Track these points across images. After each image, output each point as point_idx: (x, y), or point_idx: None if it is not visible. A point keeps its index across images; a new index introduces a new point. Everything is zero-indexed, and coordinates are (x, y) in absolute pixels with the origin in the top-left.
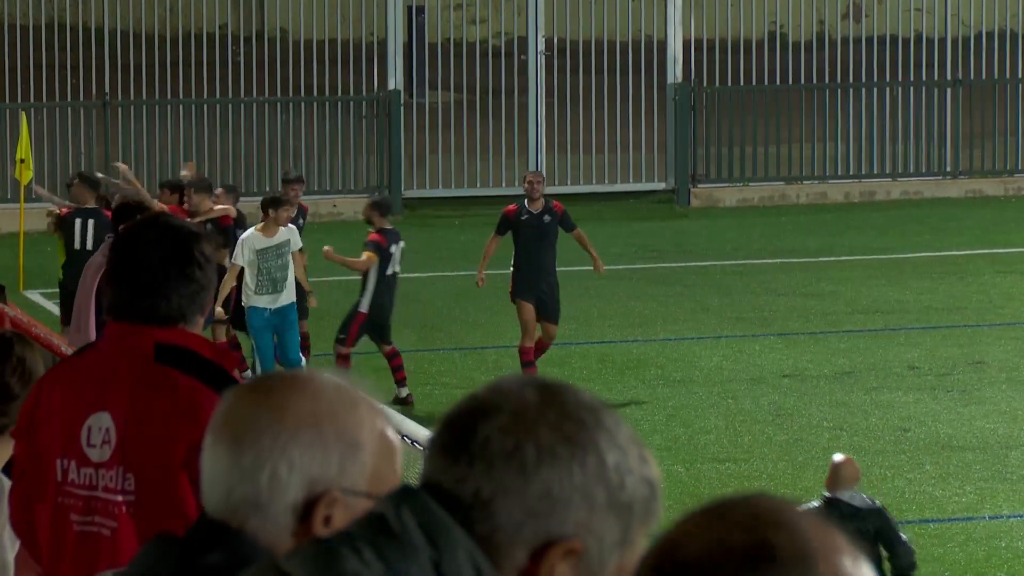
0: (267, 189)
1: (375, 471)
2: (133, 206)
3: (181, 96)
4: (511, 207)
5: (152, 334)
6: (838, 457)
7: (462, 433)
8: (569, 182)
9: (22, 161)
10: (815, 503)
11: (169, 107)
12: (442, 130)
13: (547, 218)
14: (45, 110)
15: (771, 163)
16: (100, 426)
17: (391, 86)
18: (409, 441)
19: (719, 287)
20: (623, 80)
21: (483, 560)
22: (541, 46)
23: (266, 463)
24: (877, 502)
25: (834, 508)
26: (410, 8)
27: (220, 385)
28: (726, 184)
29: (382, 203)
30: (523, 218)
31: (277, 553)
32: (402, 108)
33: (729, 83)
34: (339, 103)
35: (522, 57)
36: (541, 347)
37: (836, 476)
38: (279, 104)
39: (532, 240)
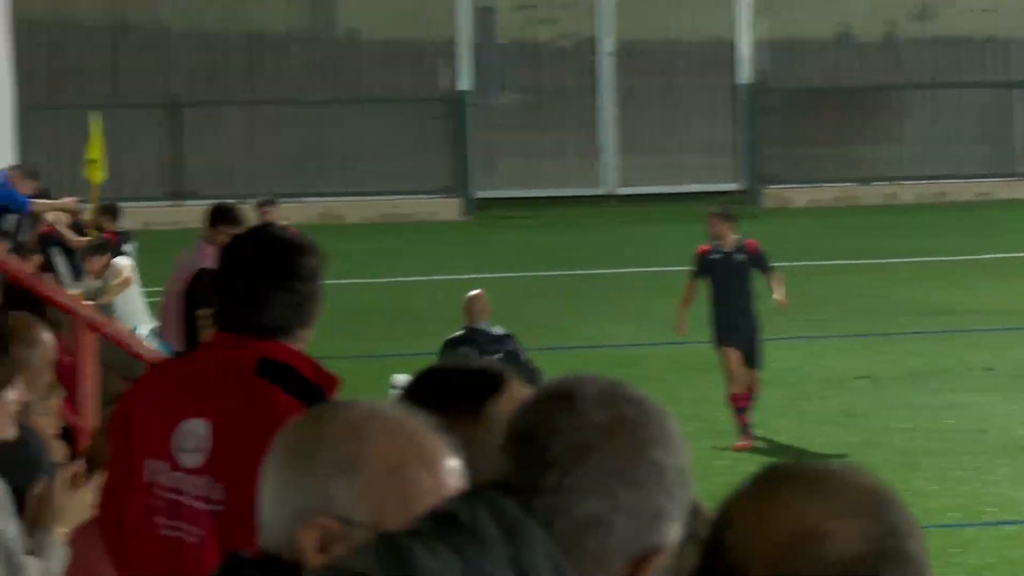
0: (337, 190)
1: (381, 500)
2: (227, 209)
3: (252, 97)
4: (703, 247)
5: (255, 347)
6: (471, 293)
7: (530, 436)
8: (639, 183)
9: (93, 162)
10: (460, 332)
11: (239, 108)
12: (512, 130)
13: (739, 257)
14: (116, 111)
15: (842, 164)
16: (195, 432)
17: (461, 87)
18: None
19: (790, 288)
20: (693, 81)
21: (560, 559)
22: (611, 47)
23: (271, 489)
24: (506, 331)
25: (476, 335)
26: (480, 9)
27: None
28: (797, 185)
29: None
30: (712, 257)
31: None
32: (472, 109)
33: (799, 84)
34: (409, 104)
35: (592, 58)
36: (749, 393)
37: (471, 310)
38: (349, 105)
39: (723, 281)
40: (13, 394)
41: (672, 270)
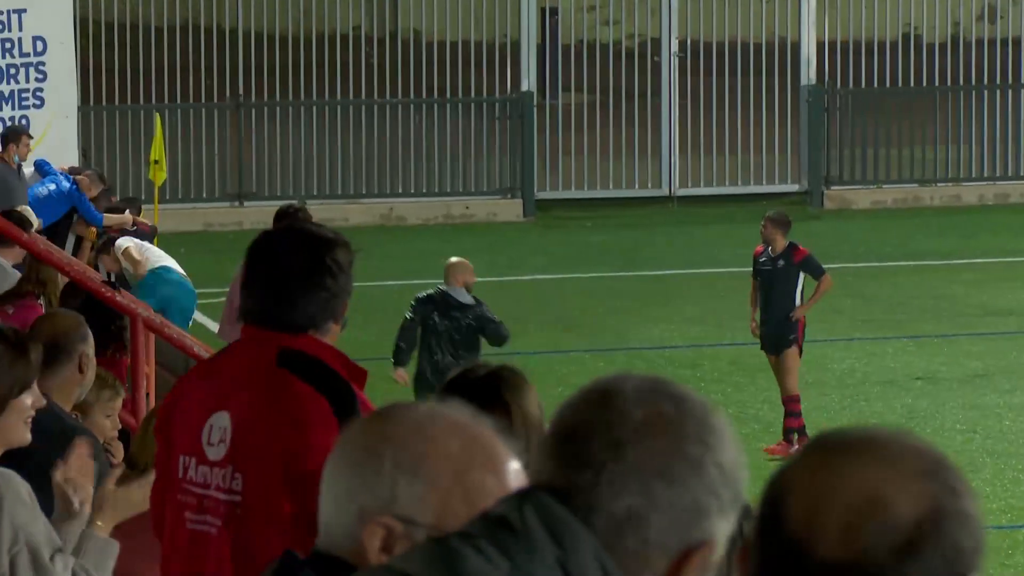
0: (400, 191)
1: (445, 501)
2: (292, 212)
3: (314, 98)
4: (758, 248)
5: (279, 340)
6: (452, 260)
7: (570, 437)
8: (702, 184)
9: (156, 162)
10: (431, 291)
11: (302, 108)
12: (575, 132)
13: (781, 263)
14: (179, 111)
15: (905, 165)
16: (220, 425)
17: (524, 87)
18: None
19: (851, 289)
20: (756, 82)
21: (608, 560)
22: (674, 47)
23: (334, 489)
24: (476, 299)
25: (446, 297)
26: (544, 9)
27: (336, 396)
28: (859, 186)
29: None
30: (760, 260)
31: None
32: (535, 109)
33: (863, 85)
34: (472, 104)
35: (655, 58)
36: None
37: (447, 274)
38: (412, 106)
39: (768, 286)
40: (30, 399)
41: (733, 271)
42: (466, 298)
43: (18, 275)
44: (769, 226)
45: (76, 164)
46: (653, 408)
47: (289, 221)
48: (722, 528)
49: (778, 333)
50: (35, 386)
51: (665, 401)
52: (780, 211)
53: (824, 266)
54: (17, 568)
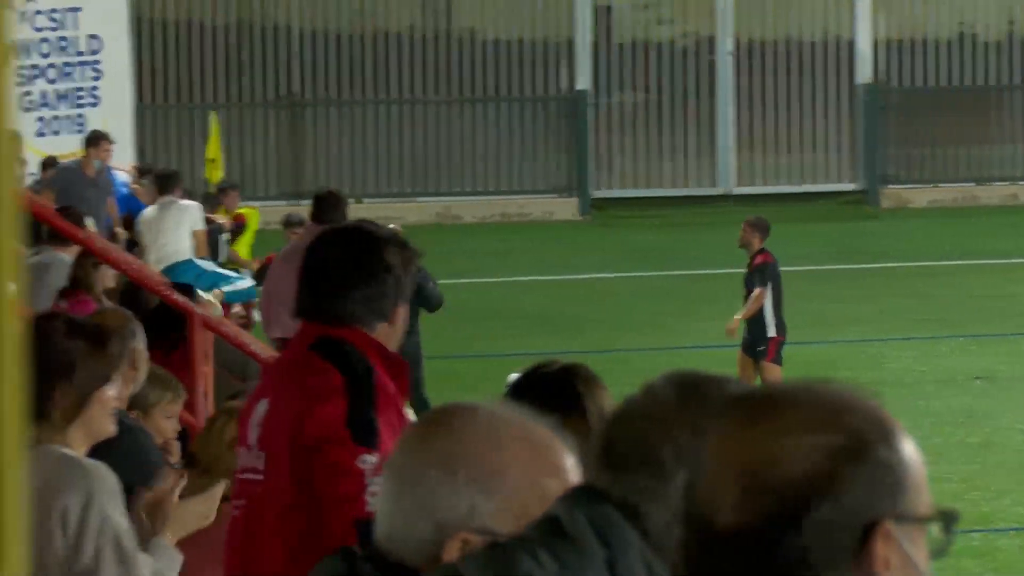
0: (455, 189)
1: (521, 510)
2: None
3: (369, 96)
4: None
5: (321, 331)
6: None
7: (606, 443)
8: (758, 183)
9: (212, 160)
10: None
11: (357, 107)
12: (630, 130)
13: (746, 271)
14: (234, 110)
15: (961, 164)
16: (259, 411)
17: (579, 86)
18: None
19: (908, 288)
20: (812, 80)
21: (656, 561)
22: (730, 46)
23: (403, 501)
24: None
25: None
26: (598, 8)
27: (352, 374)
28: (916, 185)
29: None
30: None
31: None
32: (590, 108)
33: (919, 83)
34: (527, 103)
35: (711, 57)
36: None
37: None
38: (467, 104)
39: (745, 289)
40: (113, 391)
41: (789, 270)
42: None
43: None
44: (747, 229)
45: (135, 163)
46: (657, 398)
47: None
48: None
49: (751, 339)
50: (117, 379)
51: (671, 389)
52: (760, 216)
53: (881, 265)
54: (102, 559)
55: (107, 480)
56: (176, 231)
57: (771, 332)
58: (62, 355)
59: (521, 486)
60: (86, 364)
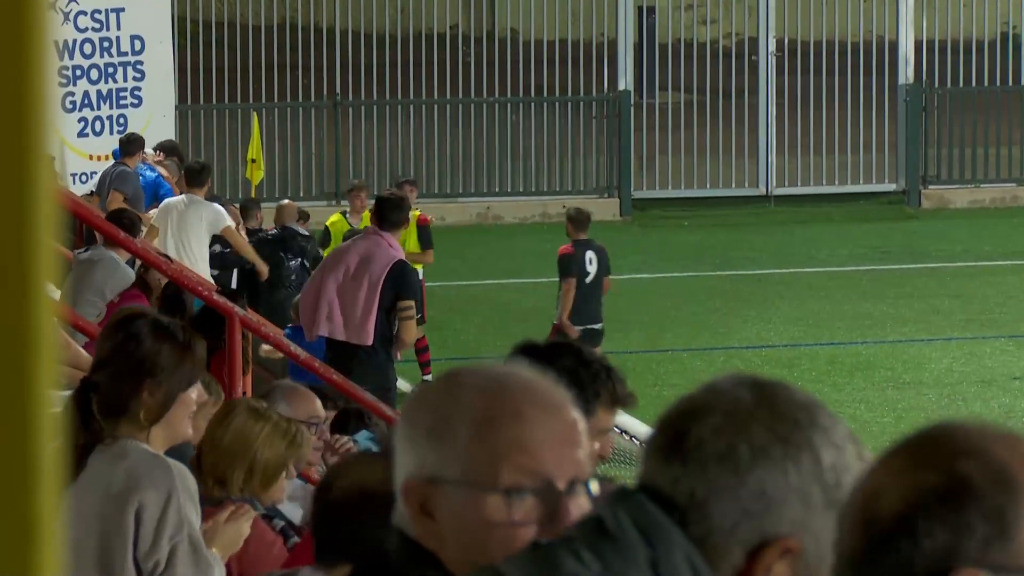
0: (496, 190)
1: (473, 459)
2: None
3: (411, 96)
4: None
5: None
6: (282, 202)
7: (675, 435)
8: (799, 183)
9: (253, 161)
10: (274, 231)
11: (400, 107)
12: (672, 131)
13: None
14: (276, 110)
15: (1003, 164)
16: None
17: (621, 87)
18: (636, 441)
19: (949, 289)
20: (854, 81)
21: (700, 561)
22: (772, 47)
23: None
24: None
25: (287, 232)
26: (641, 8)
27: None
28: (957, 185)
29: None
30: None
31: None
32: (632, 108)
33: (961, 84)
34: (569, 103)
35: (753, 58)
36: None
37: (280, 213)
38: (509, 104)
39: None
40: (195, 394)
41: (830, 271)
42: (304, 230)
43: (131, 271)
44: (568, 225)
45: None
46: (730, 396)
47: (391, 207)
48: (817, 529)
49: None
50: (198, 383)
51: (744, 389)
52: (579, 208)
53: (922, 265)
54: (176, 557)
55: (187, 480)
56: (199, 227)
57: (556, 320)
58: (153, 355)
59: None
60: (175, 366)
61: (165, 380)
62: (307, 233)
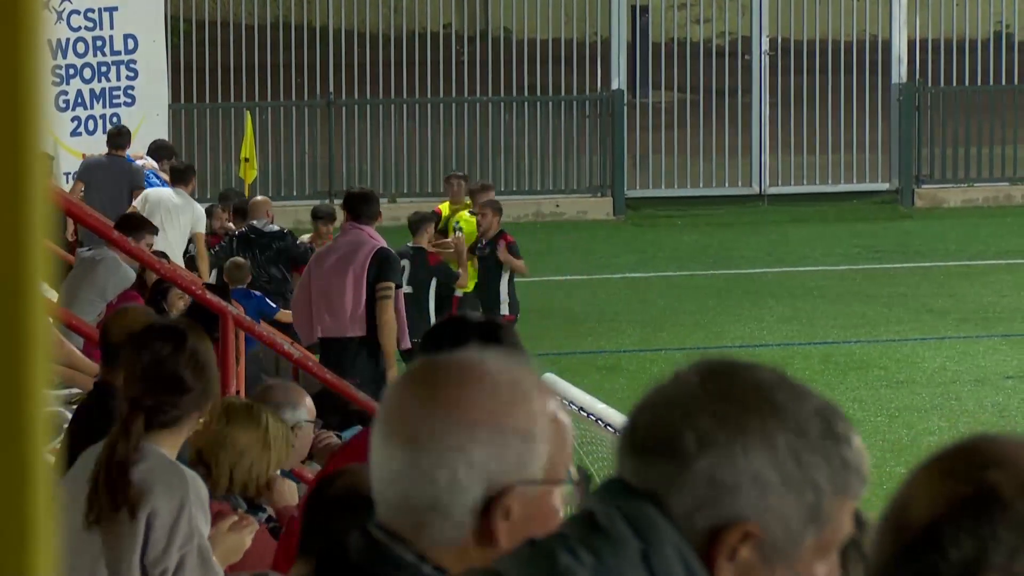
0: None
1: (551, 458)
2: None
3: (405, 96)
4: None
5: None
6: (258, 199)
7: (630, 427)
8: (792, 182)
9: (246, 160)
10: (239, 232)
11: (393, 106)
12: (665, 130)
13: (486, 252)
14: (269, 109)
15: (996, 163)
16: None
17: (615, 86)
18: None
19: (943, 288)
20: (847, 80)
21: (689, 551)
22: (765, 46)
23: (445, 464)
24: (282, 228)
25: (251, 233)
26: (634, 8)
27: None
28: (950, 185)
29: None
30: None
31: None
32: (625, 108)
33: (954, 83)
34: (562, 103)
35: (746, 57)
36: None
37: (250, 210)
38: (502, 104)
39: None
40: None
41: (823, 270)
42: (273, 228)
43: (133, 272)
44: (489, 213)
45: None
46: (680, 383)
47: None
48: (779, 510)
49: None
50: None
51: (695, 375)
52: (493, 198)
53: (915, 264)
54: (185, 564)
55: (200, 489)
56: (185, 224)
57: (504, 310)
58: (182, 371)
59: (548, 431)
60: (199, 386)
61: (188, 398)
62: (277, 229)
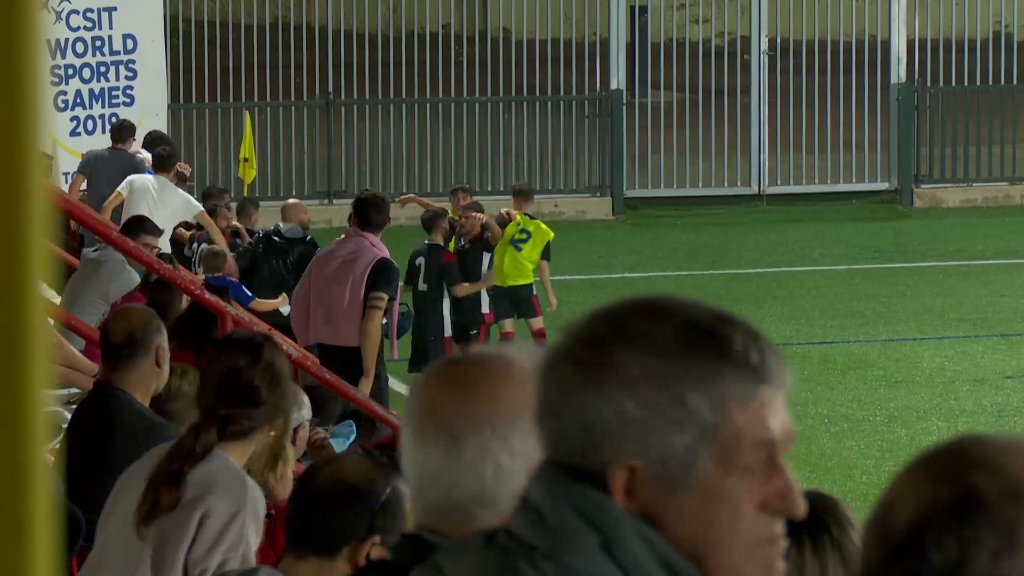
0: (489, 189)
1: None
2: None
3: (404, 96)
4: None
5: None
6: (290, 202)
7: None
8: (791, 182)
9: (245, 160)
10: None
11: (392, 107)
12: (664, 130)
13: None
14: (268, 109)
15: (995, 163)
16: None
17: (614, 86)
18: None
19: (942, 288)
20: (846, 80)
21: (645, 527)
22: (764, 46)
23: (489, 456)
24: (306, 234)
25: (274, 236)
26: (633, 8)
27: None
28: (949, 184)
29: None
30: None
31: None
32: (624, 108)
33: (953, 83)
34: (561, 103)
35: (745, 57)
36: None
37: (284, 213)
38: (501, 104)
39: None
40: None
41: (822, 269)
42: (295, 232)
43: (136, 275)
44: (471, 217)
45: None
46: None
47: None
48: (655, 442)
49: (462, 322)
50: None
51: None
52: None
53: (914, 264)
54: (226, 569)
55: (259, 504)
56: (168, 211)
57: (485, 308)
58: (257, 383)
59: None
60: (273, 399)
61: (268, 409)
62: (297, 235)
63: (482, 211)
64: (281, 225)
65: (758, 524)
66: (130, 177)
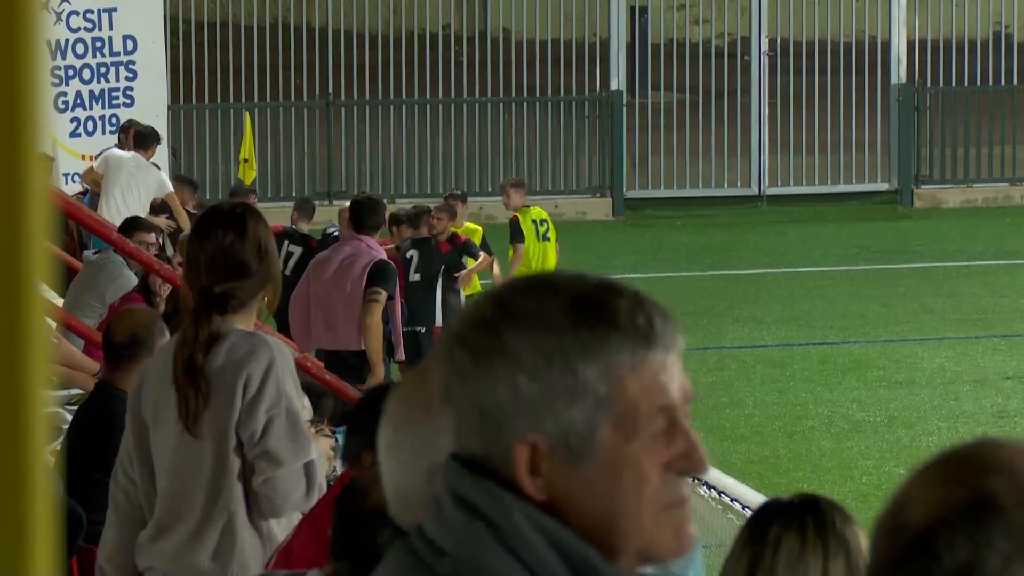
0: (488, 190)
1: None
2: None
3: (404, 96)
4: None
5: None
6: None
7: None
8: (792, 183)
9: (245, 161)
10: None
11: (392, 107)
12: (664, 131)
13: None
14: (268, 110)
15: (995, 164)
16: None
17: (614, 86)
18: None
19: (942, 288)
20: (846, 81)
21: (537, 513)
22: (764, 46)
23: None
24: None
25: (294, 231)
26: (633, 8)
27: None
28: (950, 185)
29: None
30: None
31: None
32: (625, 108)
33: (953, 84)
34: (562, 103)
35: (745, 57)
36: None
37: (342, 217)
38: (502, 104)
39: None
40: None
41: (822, 270)
42: (332, 230)
43: (134, 277)
44: (444, 217)
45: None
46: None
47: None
48: (550, 417)
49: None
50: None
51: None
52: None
53: (914, 265)
54: (271, 429)
55: (286, 355)
56: (146, 189)
57: (438, 321)
58: (246, 257)
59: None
60: (264, 269)
61: (260, 278)
62: (300, 235)
63: (455, 217)
64: (295, 226)
65: (665, 487)
66: (106, 152)
